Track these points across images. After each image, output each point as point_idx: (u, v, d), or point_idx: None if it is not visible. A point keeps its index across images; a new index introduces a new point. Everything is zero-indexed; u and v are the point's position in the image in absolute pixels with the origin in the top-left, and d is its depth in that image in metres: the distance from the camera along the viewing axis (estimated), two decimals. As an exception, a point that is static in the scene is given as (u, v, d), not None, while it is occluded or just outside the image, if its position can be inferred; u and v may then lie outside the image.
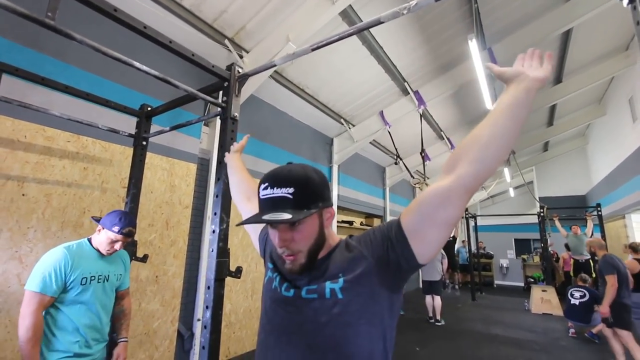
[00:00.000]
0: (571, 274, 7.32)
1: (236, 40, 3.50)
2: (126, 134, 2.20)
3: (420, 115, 5.55)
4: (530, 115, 7.31)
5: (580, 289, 5.17)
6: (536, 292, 7.26)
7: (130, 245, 2.22)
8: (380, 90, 5.16)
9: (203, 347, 1.58)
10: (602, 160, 9.50)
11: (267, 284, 0.88)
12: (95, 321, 1.62)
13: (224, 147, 1.66)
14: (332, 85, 4.76)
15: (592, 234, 7.78)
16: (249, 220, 0.75)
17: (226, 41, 3.36)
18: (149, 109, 2.28)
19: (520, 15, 4.44)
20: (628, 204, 7.22)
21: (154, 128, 2.40)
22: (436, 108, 6.37)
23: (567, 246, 8.03)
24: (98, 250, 1.67)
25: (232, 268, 1.73)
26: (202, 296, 3.34)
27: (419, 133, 6.10)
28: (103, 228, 1.64)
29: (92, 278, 1.60)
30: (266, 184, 0.75)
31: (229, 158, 1.44)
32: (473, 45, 3.39)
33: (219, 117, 1.71)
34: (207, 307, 1.62)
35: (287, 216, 0.69)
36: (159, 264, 2.97)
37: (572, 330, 5.16)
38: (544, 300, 7.01)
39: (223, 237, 1.66)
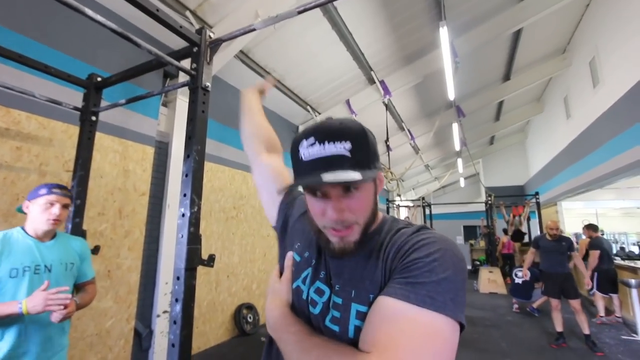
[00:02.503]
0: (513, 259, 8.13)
1: (199, 13, 3.21)
2: (71, 107, 1.89)
3: (386, 105, 5.63)
4: (482, 110, 7.78)
5: (522, 269, 5.72)
6: (483, 273, 7.89)
7: (77, 236, 1.94)
8: (348, 78, 5.12)
9: (173, 345, 1.42)
10: (539, 154, 10.51)
11: (296, 271, 0.71)
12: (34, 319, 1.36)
13: (194, 121, 1.49)
14: (299, 70, 4.61)
15: (528, 219, 8.68)
16: (307, 181, 0.57)
17: (187, 13, 3.06)
18: (99, 79, 1.98)
19: (481, 11, 4.65)
20: (560, 192, 8.08)
21: (103, 104, 2.10)
22: (399, 99, 6.52)
23: (504, 231, 8.84)
24: (36, 238, 1.43)
25: (204, 256, 1.58)
26: (162, 290, 3.09)
27: (383, 124, 6.21)
28: (30, 201, 1.41)
29: (27, 269, 1.36)
30: (311, 139, 0.57)
31: (248, 94, 1.08)
32: (444, 32, 3.45)
33: (187, 87, 1.52)
34: (176, 300, 1.46)
35: (355, 175, 0.53)
36: (111, 257, 2.67)
37: (515, 306, 5.69)
38: (490, 281, 7.64)
39: (194, 222, 1.51)
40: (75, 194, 1.90)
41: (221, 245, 3.94)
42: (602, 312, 4.90)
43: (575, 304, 3.77)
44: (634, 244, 11.51)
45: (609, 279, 4.68)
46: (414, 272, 0.53)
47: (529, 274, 4.48)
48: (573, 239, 4.81)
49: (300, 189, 0.71)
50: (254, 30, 1.45)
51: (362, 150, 0.57)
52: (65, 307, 1.34)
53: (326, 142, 0.56)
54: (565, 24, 6.11)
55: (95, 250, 2.02)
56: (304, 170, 0.58)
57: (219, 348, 3.65)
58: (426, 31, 4.61)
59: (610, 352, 3.65)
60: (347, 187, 0.57)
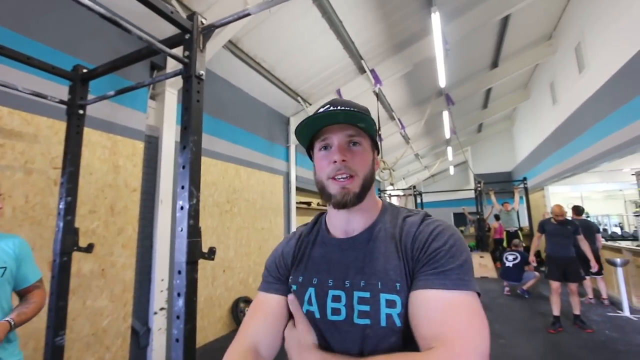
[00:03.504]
0: (504, 244, 8.29)
1: (184, 1, 3.10)
2: (57, 100, 1.81)
3: (376, 94, 5.61)
4: (470, 98, 7.83)
5: (513, 253, 5.86)
6: (474, 258, 8.06)
7: (70, 235, 1.88)
8: (338, 68, 5.07)
9: (177, 340, 1.40)
10: (526, 140, 10.70)
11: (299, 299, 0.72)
12: None
13: (189, 111, 1.44)
14: (289, 61, 4.54)
15: (518, 206, 8.84)
16: (319, 113, 0.67)
17: (173, 1, 2.95)
18: (85, 70, 1.90)
19: (469, -3, 4.64)
20: (547, 177, 8.27)
21: (90, 97, 2.01)
22: (389, 88, 6.50)
23: (496, 217, 9.03)
24: None
25: (205, 249, 1.55)
26: (158, 287, 3.04)
27: (374, 113, 6.20)
28: None
29: None
30: (327, 106, 0.70)
31: None
32: (436, 18, 3.42)
33: (180, 75, 1.47)
34: (178, 295, 1.44)
35: (361, 116, 0.66)
36: (105, 255, 2.60)
37: (506, 289, 5.84)
38: (481, 265, 7.83)
39: (194, 214, 1.47)
40: (66, 191, 1.83)
41: (216, 240, 3.90)
42: (590, 295, 5.05)
43: (574, 286, 3.81)
44: (615, 225, 11.95)
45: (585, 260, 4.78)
46: (440, 261, 0.60)
47: (535, 260, 4.42)
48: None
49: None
50: (248, 15, 1.40)
51: (367, 118, 0.68)
52: None
53: (338, 106, 0.69)
54: (552, 10, 6.17)
55: (89, 248, 1.96)
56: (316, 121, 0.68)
57: (217, 343, 3.65)
58: (416, 18, 4.58)
59: (599, 329, 3.80)
60: (351, 142, 0.68)
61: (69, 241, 1.85)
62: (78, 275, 2.41)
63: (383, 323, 0.61)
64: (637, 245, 5.34)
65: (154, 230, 3.10)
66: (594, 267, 4.02)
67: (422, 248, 0.63)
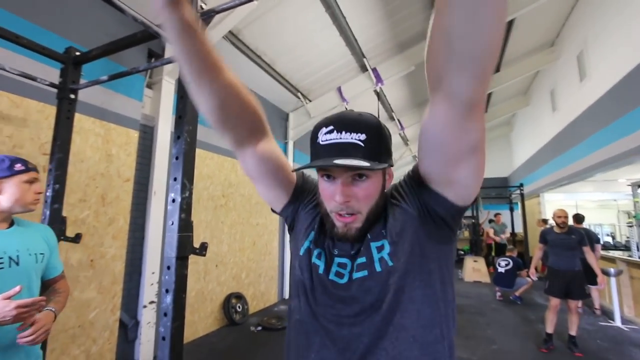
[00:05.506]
0: (492, 253, 8.36)
1: (185, -12, 3.02)
2: (47, 83, 1.74)
3: (377, 94, 5.56)
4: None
5: (505, 259, 5.86)
6: (468, 262, 8.08)
7: (57, 224, 1.81)
8: (340, 65, 5.00)
9: (163, 338, 1.35)
10: (524, 146, 10.72)
11: (304, 256, 0.73)
12: None
13: (184, 99, 1.39)
14: (291, 55, 4.47)
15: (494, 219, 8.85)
16: (320, 163, 0.60)
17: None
18: (78, 53, 1.82)
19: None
20: (543, 184, 8.29)
21: (82, 82, 1.94)
22: (390, 88, 6.45)
23: (490, 221, 9.07)
24: None
25: (196, 244, 1.50)
26: (148, 280, 2.98)
27: (373, 113, 6.15)
28: (2, 179, 1.16)
29: None
30: (331, 127, 0.63)
31: (177, 22, 0.55)
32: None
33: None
34: (167, 291, 1.38)
35: (364, 163, 0.58)
36: (94, 245, 2.53)
37: (498, 294, 5.85)
38: (475, 270, 7.84)
39: (185, 208, 1.42)
40: (54, 178, 1.76)
41: (210, 234, 3.84)
42: (597, 305, 4.90)
43: (575, 303, 3.43)
44: (607, 235, 12.06)
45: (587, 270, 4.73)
46: None
47: (535, 273, 4.04)
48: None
49: (314, 175, 0.76)
50: (252, 0, 1.34)
51: (375, 143, 0.62)
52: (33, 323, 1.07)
53: (343, 131, 0.61)
54: (555, 17, 6.15)
55: (77, 238, 1.90)
56: (320, 152, 0.63)
57: (208, 338, 3.59)
58: (420, 18, 4.53)
59: (589, 337, 3.80)
60: (357, 175, 0.63)
61: (56, 230, 1.78)
62: (66, 265, 2.33)
63: (378, 268, 0.63)
64: (629, 256, 5.37)
65: (146, 222, 3.03)
66: (602, 284, 3.60)
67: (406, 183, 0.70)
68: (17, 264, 1.16)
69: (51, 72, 2.06)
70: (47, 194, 1.77)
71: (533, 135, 9.40)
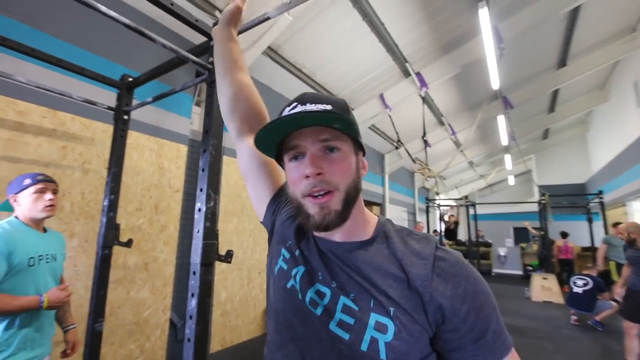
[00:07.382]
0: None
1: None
2: (105, 107, 2.00)
3: (423, 99, 5.35)
4: (533, 101, 7.02)
5: (583, 277, 5.09)
6: (537, 280, 7.19)
7: (111, 229, 2.04)
8: (381, 72, 4.93)
9: (188, 340, 1.42)
10: (603, 148, 9.36)
11: (279, 277, 0.64)
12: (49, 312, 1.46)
13: (210, 115, 1.48)
14: (330, 66, 4.54)
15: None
16: (283, 118, 0.54)
17: (217, 12, 3.13)
18: (130, 79, 2.07)
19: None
20: (630, 191, 7.11)
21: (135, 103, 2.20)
22: (437, 91, 6.15)
23: (562, 234, 7.97)
24: (33, 227, 1.44)
25: (222, 252, 1.57)
26: (195, 284, 3.19)
27: (419, 118, 5.92)
28: (17, 194, 1.41)
29: (41, 258, 1.39)
30: (294, 104, 0.59)
31: (222, 32, 0.87)
32: (484, 14, 3.14)
33: (205, 82, 1.52)
34: (192, 295, 1.46)
35: (329, 108, 0.56)
36: (148, 250, 2.80)
37: (574, 318, 5.08)
38: (544, 288, 6.95)
39: (210, 217, 1.50)
40: (110, 189, 2.00)
41: (253, 242, 3.99)
42: None
43: None
44: None
45: None
46: (486, 337, 0.54)
47: (622, 293, 3.44)
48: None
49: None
50: (268, 19, 1.38)
51: (344, 117, 0.54)
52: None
53: (308, 104, 0.57)
54: (636, -2, 5.33)
55: (129, 243, 2.11)
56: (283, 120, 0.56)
57: (250, 343, 3.71)
58: (465, 17, 4.27)
59: (695, 379, 3.09)
60: (327, 149, 0.56)
61: (110, 236, 2.02)
62: (124, 267, 2.63)
63: (364, 347, 0.50)
64: None
65: (193, 230, 3.26)
66: None
67: (454, 287, 0.55)
68: (55, 260, 1.49)
69: (111, 96, 2.36)
70: (104, 203, 2.01)
71: (615, 134, 8.17)
